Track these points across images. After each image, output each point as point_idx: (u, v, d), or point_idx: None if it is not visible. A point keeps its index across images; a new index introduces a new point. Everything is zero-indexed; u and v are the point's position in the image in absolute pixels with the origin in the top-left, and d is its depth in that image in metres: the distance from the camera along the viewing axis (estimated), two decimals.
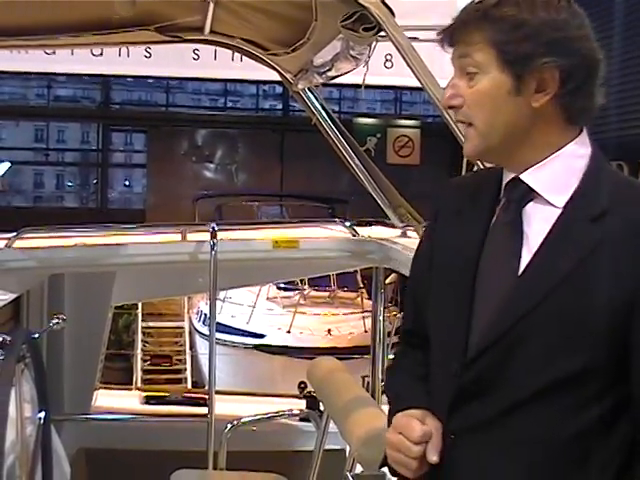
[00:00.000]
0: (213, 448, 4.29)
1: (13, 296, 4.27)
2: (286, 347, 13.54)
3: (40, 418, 2.76)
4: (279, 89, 25.85)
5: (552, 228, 1.87)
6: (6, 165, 19.79)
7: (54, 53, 7.50)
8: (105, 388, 6.48)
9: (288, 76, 4.24)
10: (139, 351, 15.60)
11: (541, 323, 1.82)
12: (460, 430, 1.91)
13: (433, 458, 1.90)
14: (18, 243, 4.16)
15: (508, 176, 1.96)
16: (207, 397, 6.15)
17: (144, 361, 15.63)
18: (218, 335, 12.83)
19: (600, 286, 1.79)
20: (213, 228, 4.29)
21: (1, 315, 4.23)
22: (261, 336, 14.31)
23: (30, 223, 4.33)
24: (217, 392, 5.53)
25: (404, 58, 3.07)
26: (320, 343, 13.24)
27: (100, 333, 5.43)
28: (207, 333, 14.86)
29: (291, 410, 4.80)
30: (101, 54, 7.54)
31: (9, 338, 3.21)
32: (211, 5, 3.71)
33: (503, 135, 1.89)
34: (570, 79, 1.85)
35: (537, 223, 1.89)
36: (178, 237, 4.47)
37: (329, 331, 13.50)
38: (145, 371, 15.35)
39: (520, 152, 1.91)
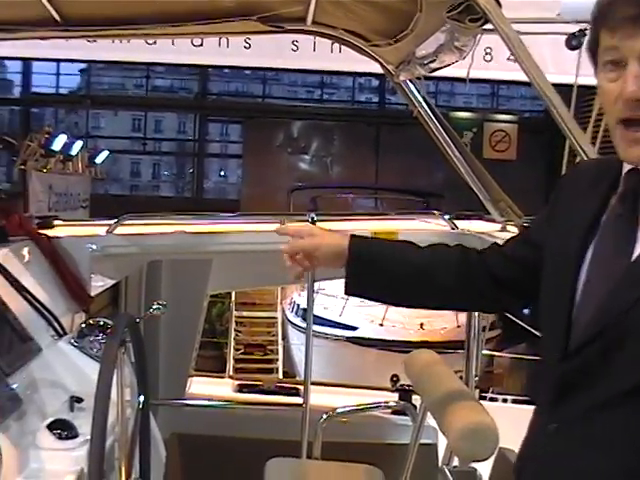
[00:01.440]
0: (307, 438, 4.29)
1: (113, 281, 4.34)
2: (378, 340, 13.52)
3: (139, 402, 2.79)
4: (375, 82, 25.83)
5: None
6: (104, 154, 20.13)
7: (155, 43, 7.58)
8: (198, 375, 6.54)
9: (390, 67, 4.20)
10: (232, 340, 15.75)
11: None
12: (561, 421, 1.88)
13: None
14: (119, 230, 4.21)
15: (627, 166, 1.87)
16: (300, 387, 6.18)
17: (236, 350, 15.76)
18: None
19: None
20: (312, 218, 4.28)
21: (100, 300, 4.30)
22: (353, 328, 14.32)
23: (127, 211, 4.38)
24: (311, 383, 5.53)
25: (511, 50, 3.01)
26: (412, 337, 13.19)
27: (195, 320, 5.48)
28: (300, 324, 14.95)
29: (387, 402, 4.76)
30: (201, 44, 7.61)
31: (110, 322, 3.28)
32: None
33: None
34: None
35: None
36: (277, 226, 4.46)
37: (421, 325, 13.43)
38: (237, 360, 15.47)
39: None
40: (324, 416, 4.00)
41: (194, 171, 27.09)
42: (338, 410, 4.21)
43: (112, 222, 4.21)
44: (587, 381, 1.83)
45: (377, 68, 4.35)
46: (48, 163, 14.96)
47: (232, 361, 15.17)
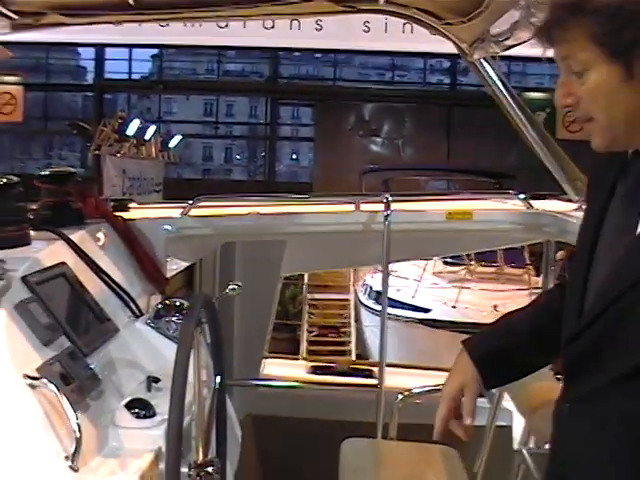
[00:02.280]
0: (382, 419, 4.28)
1: (188, 263, 4.37)
2: (451, 322, 13.47)
3: (215, 382, 2.80)
4: (446, 63, 25.64)
5: None
6: (177, 138, 20.28)
7: (226, 27, 7.60)
8: (272, 357, 6.57)
9: (463, 46, 4.15)
10: (305, 322, 15.81)
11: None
12: (573, 402, 1.96)
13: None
14: (194, 211, 4.24)
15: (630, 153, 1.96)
16: (373, 369, 6.18)
17: (309, 332, 15.82)
18: None
19: None
20: (387, 198, 4.26)
21: (175, 282, 4.33)
22: (426, 310, 14.29)
23: (199, 195, 4.40)
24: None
25: None
26: (486, 319, 13.09)
27: (269, 302, 5.50)
28: (372, 306, 14.95)
29: None
30: (273, 27, 7.61)
31: (186, 303, 3.30)
32: None
33: (625, 123, 1.86)
34: None
35: None
36: (351, 207, 4.45)
37: (495, 307, 13.33)
38: (310, 342, 15.53)
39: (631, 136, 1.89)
40: (400, 397, 3.99)
41: (266, 154, 27.19)
42: (414, 391, 4.19)
43: (187, 204, 4.24)
44: (595, 360, 1.89)
45: (448, 49, 4.31)
46: (122, 148, 15.12)
47: (305, 343, 15.24)
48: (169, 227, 4.03)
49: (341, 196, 5.30)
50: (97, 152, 14.64)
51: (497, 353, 2.28)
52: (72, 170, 3.81)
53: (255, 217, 4.29)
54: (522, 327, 2.33)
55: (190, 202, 4.25)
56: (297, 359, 7.85)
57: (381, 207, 4.26)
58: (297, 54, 26.67)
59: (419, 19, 4.09)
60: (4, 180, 3.03)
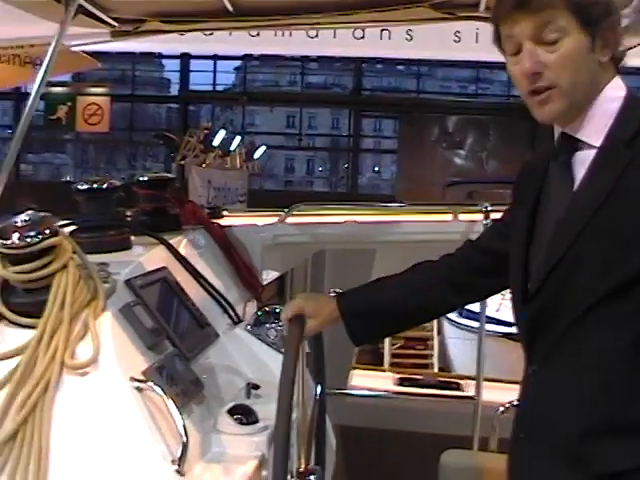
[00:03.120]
0: (479, 431, 4.23)
1: (284, 270, 4.36)
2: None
3: (316, 392, 2.78)
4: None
5: (592, 162, 2.07)
6: (262, 149, 20.41)
7: (317, 36, 7.60)
8: (358, 368, 6.53)
9: None
10: None
11: (595, 236, 2.00)
12: (537, 363, 2.14)
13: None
14: (290, 219, 4.23)
15: (557, 132, 2.17)
16: (460, 382, 6.11)
17: (392, 344, 15.73)
18: (466, 322, 12.76)
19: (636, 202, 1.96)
20: (486, 207, 4.20)
21: (267, 290, 4.32)
22: (510, 324, 14.10)
23: (281, 206, 4.39)
24: (469, 377, 5.46)
25: None
26: None
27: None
28: (455, 319, 14.83)
29: None
30: (362, 37, 7.58)
31: None
32: None
33: (584, 92, 2.07)
34: (620, 32, 2.09)
35: (582, 164, 2.09)
36: (449, 217, 4.41)
37: None
38: (393, 354, 15.42)
39: (585, 104, 2.09)
40: (500, 409, 3.92)
41: (349, 166, 27.20)
42: (515, 403, 4.11)
43: (284, 212, 4.23)
44: (548, 320, 2.10)
45: None
46: (207, 158, 15.25)
47: (388, 355, 15.14)
48: (266, 234, 4.02)
49: (438, 205, 5.26)
50: (182, 162, 14.79)
51: (366, 312, 2.55)
52: (170, 176, 3.84)
53: (352, 225, 4.27)
54: (396, 292, 2.59)
55: (286, 210, 4.24)
56: (385, 371, 7.80)
57: (480, 217, 4.20)
58: (380, 66, 26.70)
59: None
60: (106, 184, 3.05)
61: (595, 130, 2.08)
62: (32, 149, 27.50)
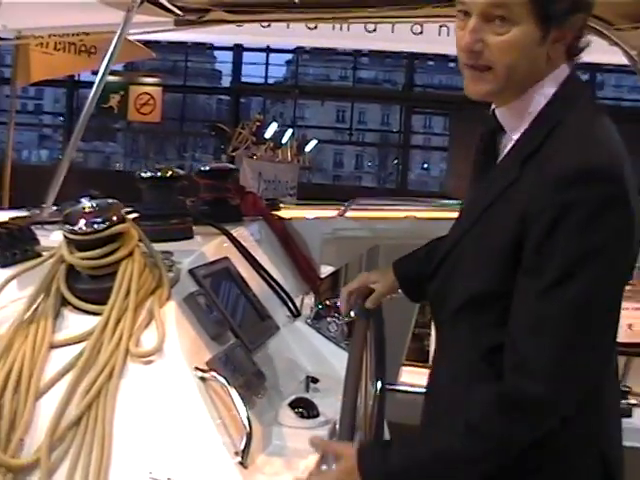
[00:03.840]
0: None
1: (342, 264, 4.34)
2: None
3: (377, 387, 2.75)
4: (584, 76, 25.14)
5: (500, 161, 2.11)
6: (313, 142, 20.40)
7: (375, 30, 7.55)
8: (405, 364, 6.48)
9: (632, 53, 4.03)
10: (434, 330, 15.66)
11: (466, 247, 2.10)
12: (438, 326, 2.28)
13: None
14: (350, 213, 4.21)
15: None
16: None
17: None
18: None
19: (503, 220, 1.97)
20: None
21: (323, 284, 4.30)
22: None
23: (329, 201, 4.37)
24: None
25: None
26: (620, 337, 12.73)
27: (410, 309, 5.42)
28: None
29: None
30: (421, 32, 7.52)
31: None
32: None
33: (520, 80, 2.03)
34: (582, 30, 2.03)
35: (505, 149, 2.11)
36: None
37: (629, 326, 12.93)
38: None
39: (518, 91, 2.06)
40: None
41: (398, 163, 27.11)
42: None
43: (344, 206, 4.22)
44: (439, 299, 2.21)
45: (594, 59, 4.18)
46: (258, 150, 15.25)
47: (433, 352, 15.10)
48: (326, 228, 4.00)
49: None
50: (234, 154, 14.80)
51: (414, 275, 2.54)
52: (232, 166, 3.83)
53: (411, 220, 4.24)
54: None
55: (346, 204, 4.22)
56: (429, 368, 7.74)
57: None
58: (432, 63, 26.59)
59: (593, 27, 3.97)
60: (170, 172, 3.04)
61: (516, 124, 2.08)
62: (83, 137, 27.65)
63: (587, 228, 1.85)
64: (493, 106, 2.14)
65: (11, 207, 6.67)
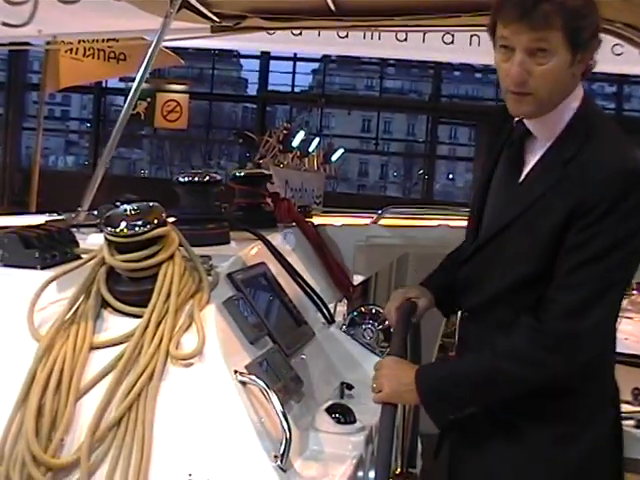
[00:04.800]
0: None
1: (374, 271, 4.33)
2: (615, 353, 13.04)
3: None
4: (610, 89, 25.06)
5: (537, 163, 2.45)
6: (340, 151, 20.41)
7: (405, 40, 7.53)
8: None
9: None
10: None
11: (511, 235, 2.41)
12: (469, 309, 2.59)
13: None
14: (382, 221, 4.21)
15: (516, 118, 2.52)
16: None
17: None
18: None
19: (554, 211, 2.33)
20: None
21: (355, 291, 4.30)
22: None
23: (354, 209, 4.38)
24: None
25: None
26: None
27: (438, 321, 5.41)
28: None
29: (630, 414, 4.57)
30: (452, 42, 7.49)
31: (381, 310, 3.27)
32: None
33: (556, 101, 2.39)
34: (596, 51, 2.39)
35: (532, 154, 2.48)
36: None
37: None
38: None
39: (551, 108, 2.40)
40: None
41: (424, 172, 27.05)
42: None
43: (377, 213, 4.22)
44: (474, 283, 2.53)
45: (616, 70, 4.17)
46: (285, 159, 15.26)
47: None
48: (359, 235, 4.01)
49: None
50: (260, 162, 14.83)
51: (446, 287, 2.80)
52: (267, 172, 3.84)
53: (444, 229, 4.23)
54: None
55: (379, 212, 4.22)
56: None
57: None
58: (457, 73, 26.53)
59: (625, 35, 3.96)
60: (207, 177, 3.06)
61: (548, 134, 2.43)
62: None
63: (629, 218, 2.27)
64: (516, 118, 2.51)
65: (38, 212, 6.71)
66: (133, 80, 4.12)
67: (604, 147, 2.36)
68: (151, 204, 2.51)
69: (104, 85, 24.53)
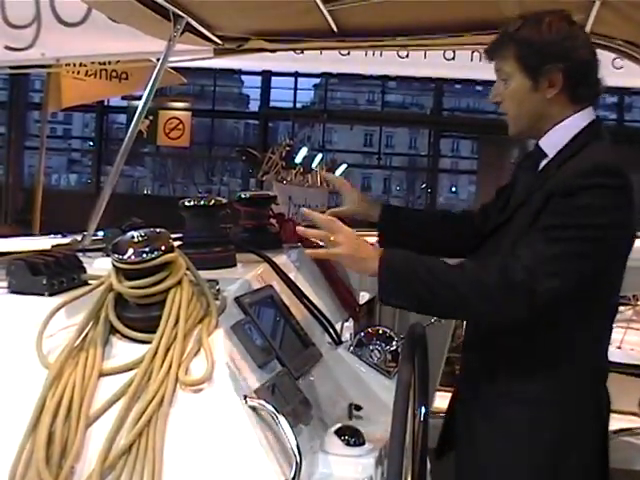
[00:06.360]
0: None
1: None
2: (617, 363, 13.03)
3: (421, 414, 2.76)
4: (612, 99, 25.07)
5: (543, 167, 2.84)
6: (343, 167, 20.41)
7: (407, 56, 7.55)
8: (441, 390, 6.46)
9: None
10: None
11: (503, 234, 2.84)
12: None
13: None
14: None
15: (532, 142, 2.92)
16: None
17: None
18: None
19: (537, 200, 2.71)
20: None
21: (360, 311, 4.30)
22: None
23: (353, 225, 4.37)
24: None
25: None
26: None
27: (446, 334, 5.42)
28: None
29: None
30: (453, 58, 7.52)
31: (389, 331, 3.27)
32: (596, 4, 3.60)
33: (527, 120, 2.83)
34: (570, 76, 2.74)
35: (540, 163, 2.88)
36: None
37: None
38: None
39: (540, 126, 2.83)
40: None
41: (427, 186, 27.08)
42: None
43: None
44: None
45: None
46: (288, 175, 15.28)
47: None
48: None
49: None
50: (263, 179, 14.85)
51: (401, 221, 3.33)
52: (272, 194, 3.85)
53: None
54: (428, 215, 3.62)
55: None
56: None
57: None
58: (458, 87, 26.57)
59: (625, 52, 3.98)
60: (213, 201, 3.07)
61: (552, 149, 2.81)
62: (112, 162, 27.78)
63: (595, 198, 2.56)
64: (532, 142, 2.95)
65: (42, 231, 6.71)
66: (135, 98, 4.15)
67: (592, 152, 2.72)
68: (158, 230, 2.52)
69: (106, 103, 24.59)
